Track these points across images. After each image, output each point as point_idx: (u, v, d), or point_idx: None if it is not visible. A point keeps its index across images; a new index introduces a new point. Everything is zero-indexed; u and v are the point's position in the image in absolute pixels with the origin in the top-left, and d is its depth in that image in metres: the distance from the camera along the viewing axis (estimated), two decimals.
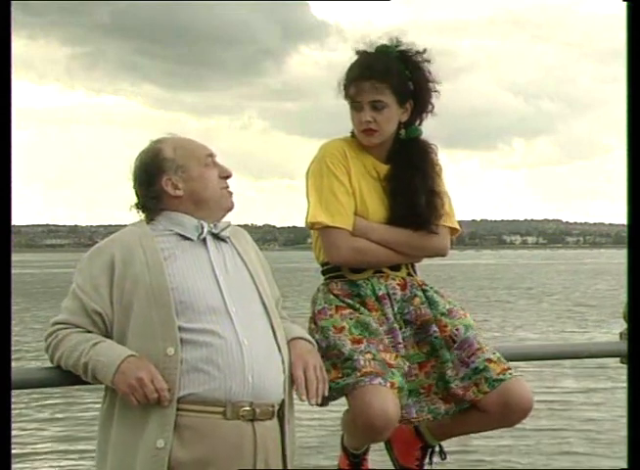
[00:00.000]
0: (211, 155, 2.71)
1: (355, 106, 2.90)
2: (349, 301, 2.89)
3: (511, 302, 33.94)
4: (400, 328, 2.87)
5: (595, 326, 23.51)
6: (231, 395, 2.46)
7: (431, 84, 2.94)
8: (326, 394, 2.64)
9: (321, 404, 2.68)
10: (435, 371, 2.85)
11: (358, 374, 2.71)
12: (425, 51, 2.94)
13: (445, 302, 2.93)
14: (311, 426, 9.80)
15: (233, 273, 2.63)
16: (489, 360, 2.81)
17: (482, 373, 2.79)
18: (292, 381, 2.60)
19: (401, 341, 2.85)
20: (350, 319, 2.84)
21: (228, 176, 2.72)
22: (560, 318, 26.59)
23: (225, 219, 2.73)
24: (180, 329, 2.47)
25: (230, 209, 2.73)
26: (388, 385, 2.70)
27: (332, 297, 2.90)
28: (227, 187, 2.72)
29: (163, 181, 2.65)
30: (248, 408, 2.48)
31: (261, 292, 2.65)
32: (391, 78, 2.87)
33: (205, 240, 2.64)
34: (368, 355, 2.75)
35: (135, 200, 2.70)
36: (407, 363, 2.83)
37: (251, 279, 2.66)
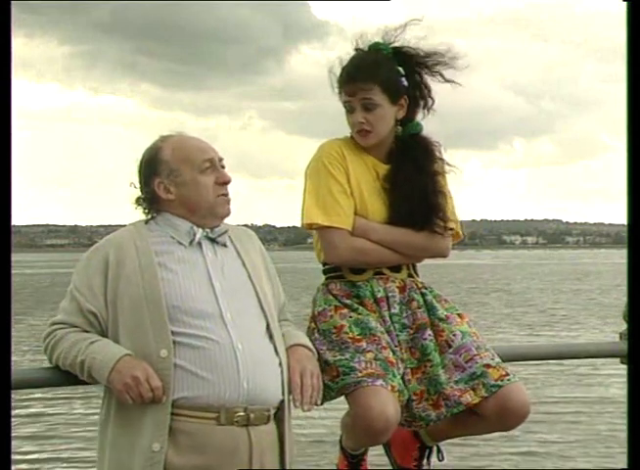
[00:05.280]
0: (211, 160, 2.64)
1: (348, 108, 2.89)
2: (348, 301, 2.88)
3: (493, 304, 33.53)
4: (396, 331, 2.85)
5: (584, 330, 22.88)
6: (225, 400, 2.45)
7: (428, 79, 2.91)
8: (319, 403, 2.64)
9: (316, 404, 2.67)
10: (426, 377, 2.82)
11: (359, 374, 2.70)
12: (420, 49, 2.90)
13: (443, 308, 2.91)
14: (312, 425, 9.79)
15: (230, 278, 2.61)
16: (488, 366, 2.79)
17: (480, 378, 2.77)
18: (289, 384, 2.58)
19: (397, 344, 2.84)
20: (350, 318, 2.83)
21: (226, 182, 2.65)
22: (535, 320, 25.92)
23: (225, 220, 2.70)
24: (173, 333, 2.47)
25: (225, 216, 2.68)
26: (389, 388, 2.69)
27: (331, 297, 2.90)
28: (224, 194, 2.65)
29: (156, 184, 2.62)
30: (242, 414, 2.47)
31: (260, 296, 2.63)
32: (379, 76, 2.85)
33: (200, 244, 2.62)
34: (369, 355, 2.74)
35: (137, 194, 2.68)
36: (402, 366, 2.82)
37: (250, 283, 2.64)
